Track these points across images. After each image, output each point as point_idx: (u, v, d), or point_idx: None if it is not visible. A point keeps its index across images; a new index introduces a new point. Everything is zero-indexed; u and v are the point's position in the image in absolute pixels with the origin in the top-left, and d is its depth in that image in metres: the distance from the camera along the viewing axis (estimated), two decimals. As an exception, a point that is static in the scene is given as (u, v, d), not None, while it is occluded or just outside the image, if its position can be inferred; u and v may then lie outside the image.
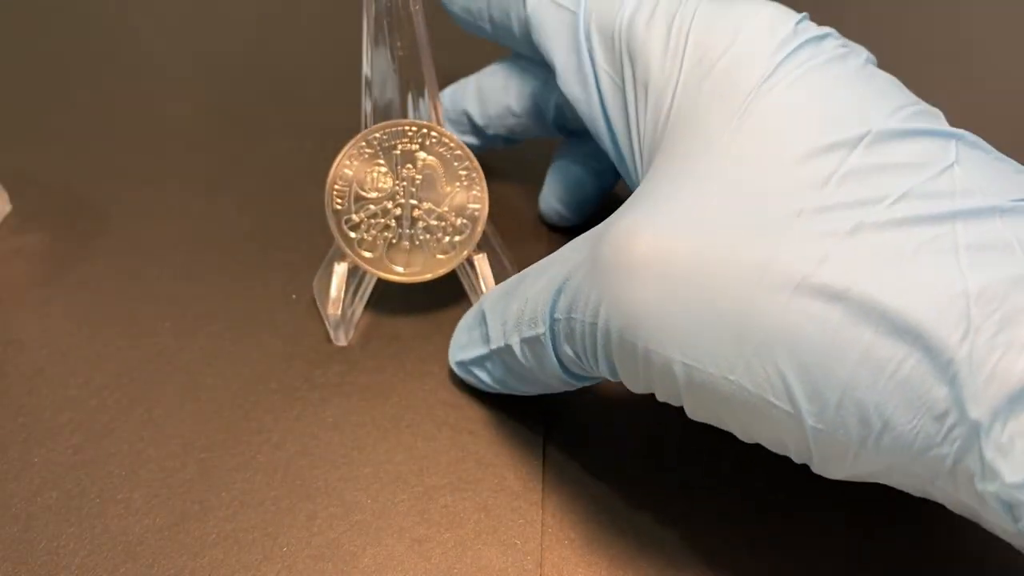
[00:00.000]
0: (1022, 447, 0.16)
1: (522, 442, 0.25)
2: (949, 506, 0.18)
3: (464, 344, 0.26)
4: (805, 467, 0.19)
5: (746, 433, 0.20)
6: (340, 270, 0.27)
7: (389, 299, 0.29)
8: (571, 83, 0.25)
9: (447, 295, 0.29)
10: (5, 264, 0.30)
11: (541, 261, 0.24)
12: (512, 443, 0.25)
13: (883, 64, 0.22)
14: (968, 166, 0.19)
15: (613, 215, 0.21)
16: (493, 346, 0.24)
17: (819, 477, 0.19)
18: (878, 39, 0.25)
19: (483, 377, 0.25)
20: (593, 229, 0.22)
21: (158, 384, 0.26)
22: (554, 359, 0.22)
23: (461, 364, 0.26)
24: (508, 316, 0.24)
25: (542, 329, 0.22)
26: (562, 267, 0.22)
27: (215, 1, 0.45)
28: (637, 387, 0.21)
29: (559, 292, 0.21)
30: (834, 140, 0.19)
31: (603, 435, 0.25)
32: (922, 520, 0.23)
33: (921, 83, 0.22)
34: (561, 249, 0.23)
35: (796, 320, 0.18)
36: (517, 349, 0.23)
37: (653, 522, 0.23)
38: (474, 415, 0.26)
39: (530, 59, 0.29)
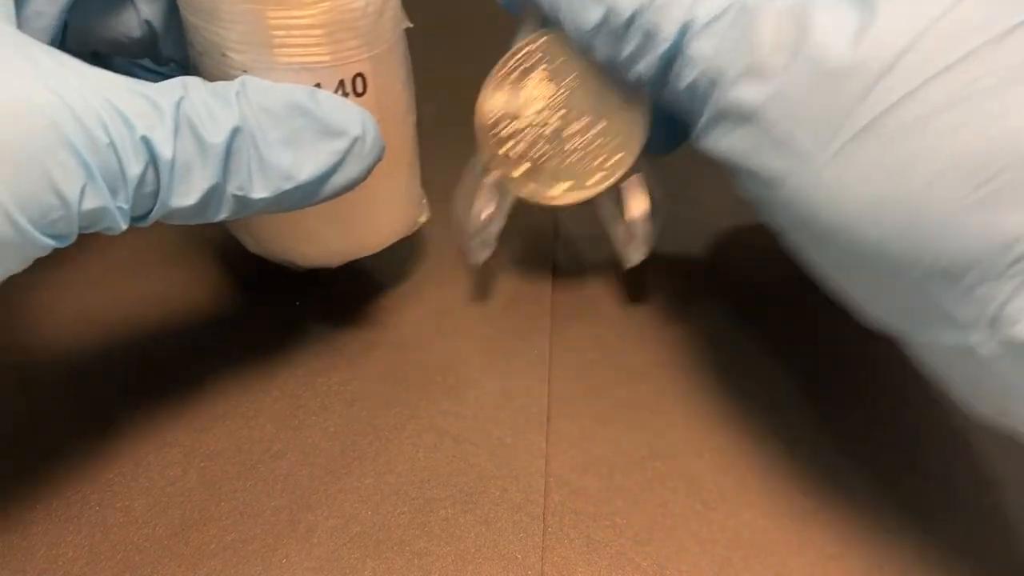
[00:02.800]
0: None
1: (525, 454, 0.25)
2: (934, 363, 0.18)
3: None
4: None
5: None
6: (490, 181, 0.26)
7: (391, 307, 0.29)
8: None
9: (452, 301, 0.29)
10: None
11: None
12: (515, 455, 0.25)
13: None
14: None
15: None
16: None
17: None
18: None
19: None
20: None
21: (160, 390, 0.26)
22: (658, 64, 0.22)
23: None
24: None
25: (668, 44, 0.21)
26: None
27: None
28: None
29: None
30: None
31: (606, 449, 0.25)
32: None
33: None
34: None
35: None
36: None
37: (657, 539, 0.23)
38: (477, 426, 0.25)
39: None
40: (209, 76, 0.23)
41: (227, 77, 0.22)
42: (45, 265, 0.30)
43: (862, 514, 0.23)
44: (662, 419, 0.26)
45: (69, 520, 0.23)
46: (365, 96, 0.24)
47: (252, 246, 0.28)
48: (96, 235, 0.31)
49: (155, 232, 0.31)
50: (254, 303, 0.29)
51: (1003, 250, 0.16)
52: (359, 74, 0.24)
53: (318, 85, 0.23)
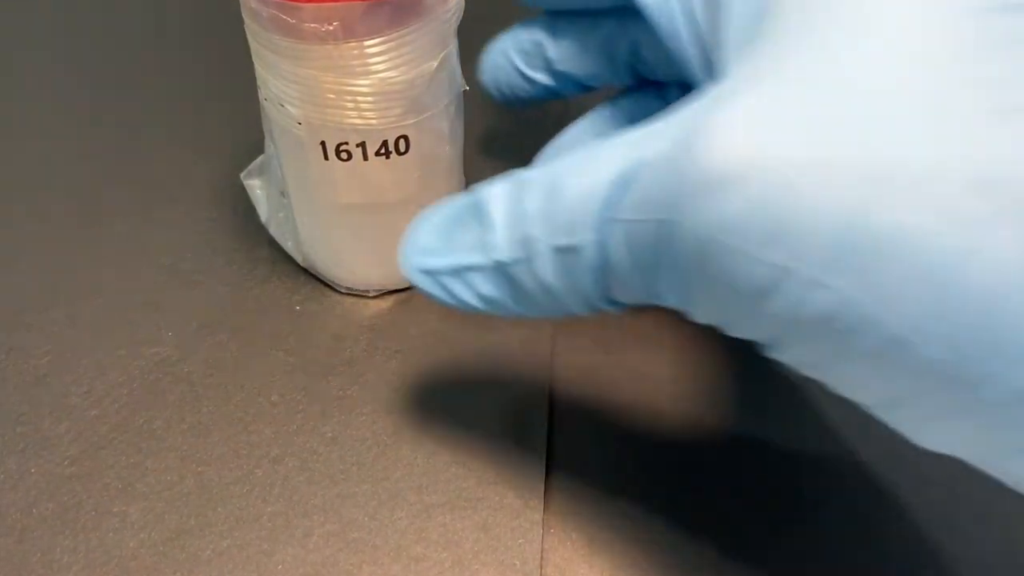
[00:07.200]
0: None
1: (524, 460, 0.24)
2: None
3: (435, 248, 0.20)
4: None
5: (833, 364, 0.16)
6: None
7: (391, 312, 0.29)
8: None
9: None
10: (9, 271, 0.30)
11: (575, 152, 0.18)
12: (514, 461, 0.24)
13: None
14: None
15: (697, 105, 0.16)
16: (500, 256, 0.18)
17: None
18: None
19: (462, 295, 0.20)
20: (669, 118, 0.17)
21: (158, 395, 0.26)
22: (590, 278, 0.18)
23: (428, 273, 0.20)
24: (529, 218, 0.18)
25: (588, 237, 0.17)
26: (626, 155, 0.17)
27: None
28: (705, 309, 0.18)
29: (623, 186, 0.16)
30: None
31: (607, 452, 0.25)
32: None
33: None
34: (616, 137, 0.18)
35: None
36: (543, 263, 0.18)
37: (659, 545, 0.23)
38: (476, 431, 0.25)
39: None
40: (270, 120, 0.26)
41: (286, 124, 0.25)
42: (45, 271, 0.30)
43: (864, 514, 0.23)
44: (665, 420, 0.25)
45: (64, 526, 0.23)
46: (407, 155, 0.25)
47: (301, 261, 0.30)
48: (98, 238, 0.31)
49: (160, 237, 0.31)
50: (253, 307, 0.29)
51: None
52: (403, 136, 0.25)
53: (363, 143, 0.25)
